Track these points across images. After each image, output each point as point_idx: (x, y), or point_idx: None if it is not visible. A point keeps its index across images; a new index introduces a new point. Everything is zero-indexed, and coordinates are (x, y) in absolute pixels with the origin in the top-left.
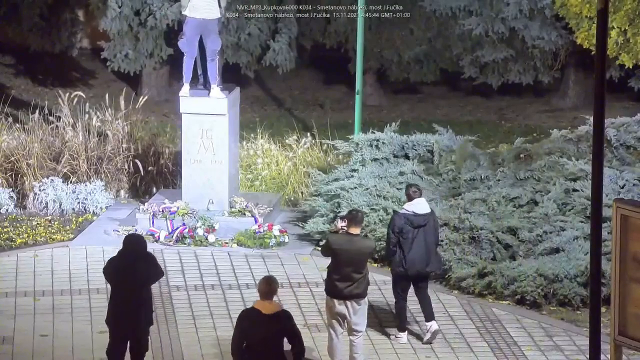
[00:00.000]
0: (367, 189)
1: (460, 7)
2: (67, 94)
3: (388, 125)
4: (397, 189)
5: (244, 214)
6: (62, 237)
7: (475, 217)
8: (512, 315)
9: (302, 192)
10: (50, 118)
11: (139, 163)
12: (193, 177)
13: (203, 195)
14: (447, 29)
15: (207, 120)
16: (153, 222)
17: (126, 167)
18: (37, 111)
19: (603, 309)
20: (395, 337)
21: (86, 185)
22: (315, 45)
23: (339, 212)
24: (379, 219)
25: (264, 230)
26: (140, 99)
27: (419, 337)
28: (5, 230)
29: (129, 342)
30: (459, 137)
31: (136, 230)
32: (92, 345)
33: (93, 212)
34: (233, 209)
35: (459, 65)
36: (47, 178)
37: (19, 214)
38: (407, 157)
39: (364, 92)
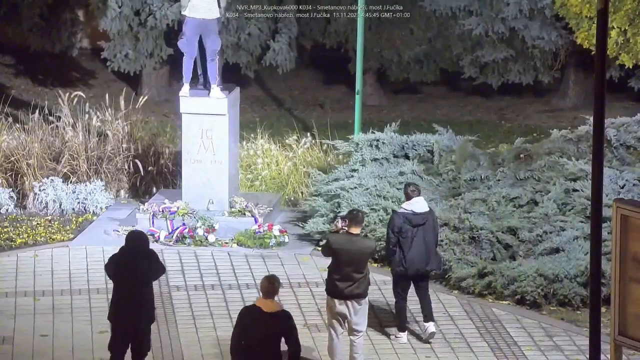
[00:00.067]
0: (367, 189)
1: (460, 7)
2: (67, 94)
3: (388, 125)
4: (397, 189)
5: (244, 214)
6: (62, 237)
7: (475, 217)
8: (512, 315)
9: (302, 192)
10: (50, 118)
11: (139, 163)
12: (193, 177)
13: (203, 195)
14: (447, 29)
15: (207, 120)
16: (153, 222)
17: (126, 167)
18: (37, 111)
19: (603, 309)
20: (395, 337)
21: (86, 185)
22: (315, 45)
23: (339, 212)
24: (379, 219)
25: (264, 230)
26: (140, 99)
27: (419, 337)
28: (5, 230)
29: (130, 342)
30: (459, 137)
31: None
32: (92, 345)
33: (93, 212)
34: (233, 209)
35: (459, 65)
36: (47, 178)
37: (19, 214)
38: (407, 157)
39: (364, 92)
